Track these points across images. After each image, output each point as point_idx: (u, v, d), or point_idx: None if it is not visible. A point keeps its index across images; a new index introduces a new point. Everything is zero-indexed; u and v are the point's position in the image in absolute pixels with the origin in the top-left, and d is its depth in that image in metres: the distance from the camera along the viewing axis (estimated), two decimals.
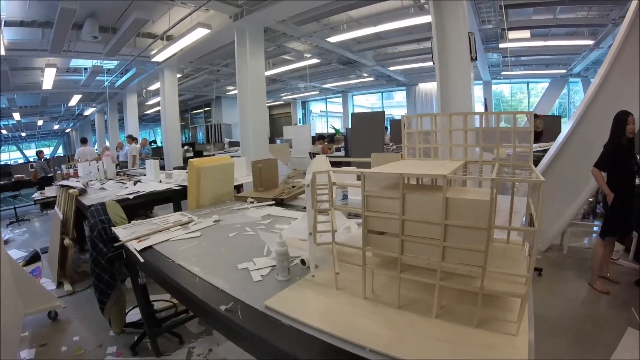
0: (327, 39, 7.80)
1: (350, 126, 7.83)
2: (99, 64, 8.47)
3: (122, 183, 4.49)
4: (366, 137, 5.70)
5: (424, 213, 0.87)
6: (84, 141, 7.81)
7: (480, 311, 0.85)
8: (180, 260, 1.41)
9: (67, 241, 3.51)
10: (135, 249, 1.57)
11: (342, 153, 8.35)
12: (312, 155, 8.03)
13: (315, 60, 10.41)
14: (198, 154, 11.06)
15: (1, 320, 1.97)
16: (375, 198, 0.93)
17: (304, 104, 21.06)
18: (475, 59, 4.14)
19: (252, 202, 2.47)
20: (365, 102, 18.23)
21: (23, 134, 19.11)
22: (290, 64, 10.56)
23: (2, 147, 19.64)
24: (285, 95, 17.92)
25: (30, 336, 2.57)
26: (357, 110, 17.37)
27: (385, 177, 0.99)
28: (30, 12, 5.36)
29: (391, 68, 11.44)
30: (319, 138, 8.76)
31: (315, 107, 21.16)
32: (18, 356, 2.27)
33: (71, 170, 6.04)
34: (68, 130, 20.77)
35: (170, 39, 7.15)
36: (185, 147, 11.68)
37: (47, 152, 21.22)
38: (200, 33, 6.35)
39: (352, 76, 13.11)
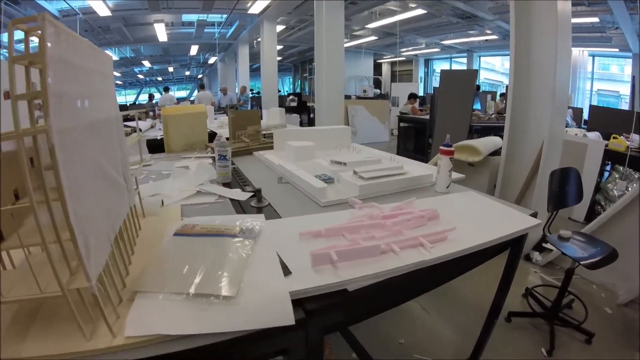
0: None
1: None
2: (203, 18, 10.11)
3: None
4: (456, 99, 5.26)
5: None
6: (202, 87, 9.55)
7: None
8: None
9: None
10: None
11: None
12: (402, 114, 7.93)
13: (421, 11, 10.13)
14: (302, 104, 12.11)
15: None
16: None
17: (428, 62, 20.41)
18: None
19: (210, 152, 2.51)
20: (499, 65, 16.59)
21: (159, 78, 23.93)
22: (396, 14, 10.49)
23: (143, 89, 25.08)
24: (406, 51, 17.63)
25: None
26: (485, 73, 16.19)
27: None
28: None
29: None
30: (410, 97, 8.43)
31: (440, 66, 20.31)
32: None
33: None
34: (200, 75, 24.80)
35: None
36: (291, 97, 12.59)
37: (184, 94, 26.32)
38: None
39: (473, 32, 12.20)
